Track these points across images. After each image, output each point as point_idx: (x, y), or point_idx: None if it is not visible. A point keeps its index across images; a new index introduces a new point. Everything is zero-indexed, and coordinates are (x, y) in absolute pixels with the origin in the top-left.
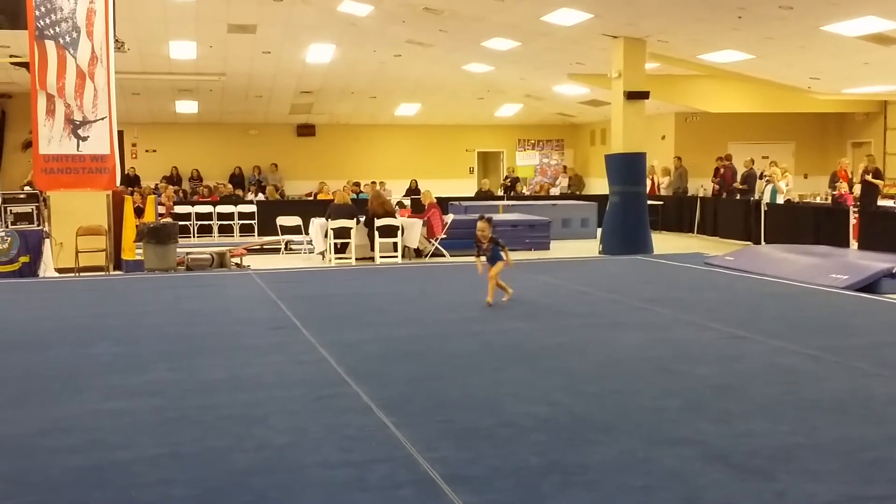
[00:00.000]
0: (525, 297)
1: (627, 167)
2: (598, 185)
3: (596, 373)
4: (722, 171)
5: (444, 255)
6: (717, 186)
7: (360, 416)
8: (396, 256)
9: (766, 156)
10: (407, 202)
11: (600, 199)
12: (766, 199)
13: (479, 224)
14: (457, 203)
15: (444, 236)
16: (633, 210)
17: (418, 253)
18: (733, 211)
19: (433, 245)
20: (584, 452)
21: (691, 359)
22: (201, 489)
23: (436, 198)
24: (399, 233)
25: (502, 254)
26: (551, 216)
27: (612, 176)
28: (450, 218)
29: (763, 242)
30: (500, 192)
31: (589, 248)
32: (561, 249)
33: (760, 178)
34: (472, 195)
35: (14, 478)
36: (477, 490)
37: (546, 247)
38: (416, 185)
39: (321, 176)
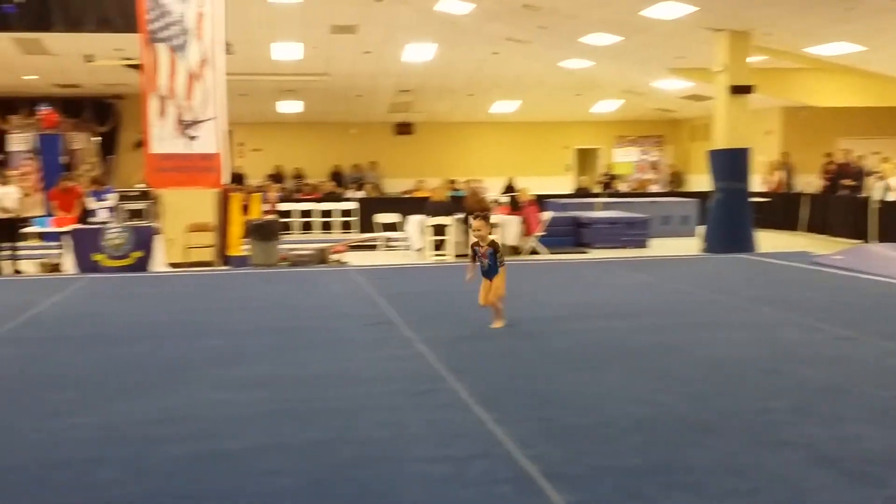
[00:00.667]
0: (623, 295)
1: (731, 163)
2: (701, 181)
3: (698, 373)
4: (836, 167)
5: (541, 253)
6: (827, 184)
7: (459, 412)
8: None
9: (877, 151)
10: (504, 200)
11: (702, 196)
12: (878, 196)
13: (475, 223)
14: (554, 200)
15: (543, 233)
16: (736, 207)
17: (515, 250)
18: (843, 208)
19: (531, 243)
20: (686, 454)
21: (798, 360)
22: (306, 480)
23: (533, 195)
24: (496, 230)
25: (500, 269)
26: (650, 213)
27: (715, 172)
28: (548, 215)
29: (875, 241)
30: (597, 189)
31: (689, 246)
32: (660, 247)
33: (870, 174)
34: (570, 192)
35: (128, 465)
36: (576, 489)
37: (643, 244)
38: (513, 183)
39: (419, 174)
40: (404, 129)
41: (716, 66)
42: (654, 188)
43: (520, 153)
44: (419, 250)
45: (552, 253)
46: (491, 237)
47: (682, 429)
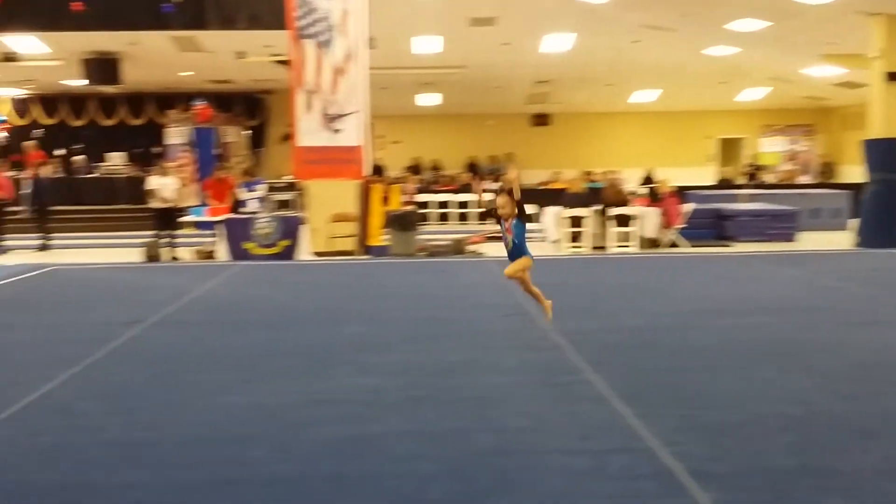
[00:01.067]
0: (769, 290)
1: (888, 153)
2: (854, 172)
3: (854, 373)
4: None
5: (681, 246)
6: None
7: (598, 405)
8: (631, 246)
9: None
10: (643, 191)
11: (855, 188)
12: None
13: (499, 200)
14: (696, 192)
15: (683, 226)
16: (893, 199)
17: (654, 243)
18: None
19: (671, 235)
20: (840, 456)
21: None
22: (446, 466)
23: (673, 186)
24: (634, 222)
25: (527, 246)
26: (799, 206)
27: (870, 163)
28: (689, 207)
29: None
30: (741, 180)
31: (841, 240)
32: (809, 241)
33: None
34: (712, 183)
35: (277, 445)
36: (723, 488)
37: (790, 238)
38: (652, 174)
39: (555, 165)
40: (541, 119)
41: (871, 52)
42: (802, 179)
43: (659, 143)
44: (555, 242)
45: (693, 246)
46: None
47: (836, 430)
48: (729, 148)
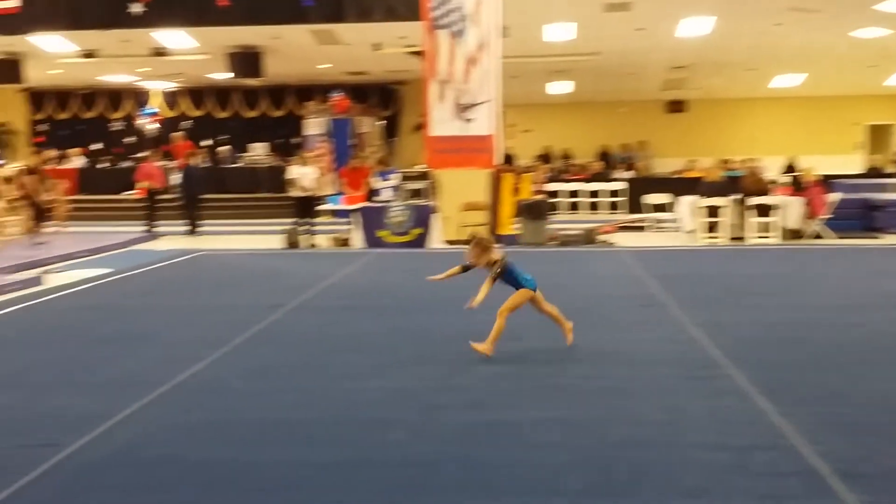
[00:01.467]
0: None
1: None
2: None
3: None
4: None
5: (826, 237)
6: None
7: (739, 399)
8: (771, 237)
9: None
10: (784, 180)
11: None
12: None
13: (468, 251)
14: (842, 181)
15: (828, 217)
16: None
17: (797, 234)
18: None
19: (815, 226)
20: None
21: None
22: (582, 456)
23: (818, 175)
24: (776, 212)
25: (523, 276)
26: None
27: None
28: (835, 197)
29: None
30: (892, 169)
31: None
32: None
33: None
34: (860, 172)
35: (412, 428)
36: (872, 490)
37: None
38: (794, 162)
39: (690, 153)
40: (676, 106)
41: None
42: None
43: (803, 130)
44: (690, 232)
45: (839, 238)
46: (495, 258)
47: None
48: (878, 135)
